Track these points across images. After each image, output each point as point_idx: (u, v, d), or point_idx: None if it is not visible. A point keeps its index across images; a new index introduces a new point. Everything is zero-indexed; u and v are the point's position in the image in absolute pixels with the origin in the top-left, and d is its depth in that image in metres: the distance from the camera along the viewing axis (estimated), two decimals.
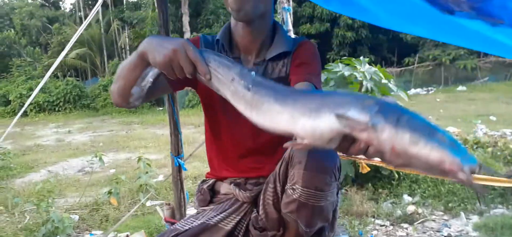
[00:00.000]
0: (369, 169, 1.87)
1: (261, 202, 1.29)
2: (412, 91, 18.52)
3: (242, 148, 1.40)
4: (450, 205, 3.53)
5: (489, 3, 1.17)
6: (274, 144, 1.35)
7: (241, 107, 0.99)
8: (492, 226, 2.97)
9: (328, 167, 1.11)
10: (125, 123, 13.85)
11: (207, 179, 1.52)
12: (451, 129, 6.64)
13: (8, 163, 6.51)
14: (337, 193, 1.28)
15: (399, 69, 23.28)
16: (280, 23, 1.45)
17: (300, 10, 23.71)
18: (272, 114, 0.91)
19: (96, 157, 4.45)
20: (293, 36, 2.63)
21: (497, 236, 2.83)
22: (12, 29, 28.65)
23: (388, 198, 3.80)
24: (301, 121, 0.84)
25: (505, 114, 9.89)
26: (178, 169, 2.40)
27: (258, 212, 1.32)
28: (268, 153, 1.38)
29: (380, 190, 3.92)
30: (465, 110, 11.31)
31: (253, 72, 1.01)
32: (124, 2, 29.68)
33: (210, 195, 1.47)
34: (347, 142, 0.78)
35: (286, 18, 2.62)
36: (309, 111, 0.83)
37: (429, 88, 19.73)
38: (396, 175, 4.09)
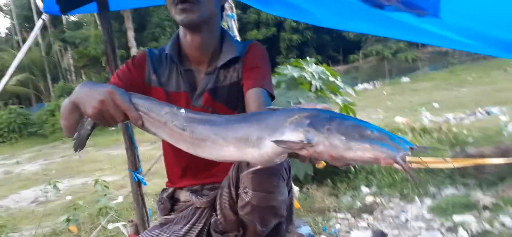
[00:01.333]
0: (325, 164, 1.96)
1: (218, 206, 1.32)
2: (360, 86, 19.23)
3: (196, 157, 1.42)
4: (405, 191, 3.71)
5: None
6: None
7: (182, 147, 1.01)
8: (444, 207, 3.17)
9: (276, 169, 1.15)
10: None
11: (167, 188, 1.53)
12: (399, 119, 6.98)
13: None
14: (290, 191, 1.33)
15: (345, 66, 24.18)
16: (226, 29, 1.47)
17: (246, 17, 24.02)
18: (217, 149, 0.95)
19: (49, 184, 4.26)
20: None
21: (450, 215, 3.02)
22: None
23: (347, 191, 3.94)
24: (249, 151, 0.90)
25: (446, 100, 10.55)
26: (138, 184, 2.36)
27: (216, 216, 1.34)
28: None
29: (338, 185, 4.07)
30: (410, 101, 11.93)
31: (182, 110, 1.01)
32: (64, 22, 28.42)
33: (170, 204, 1.48)
34: (293, 155, 0.86)
35: (231, 25, 2.67)
36: (252, 141, 0.89)
37: (375, 82, 20.56)
38: (353, 169, 4.27)
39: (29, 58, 22.94)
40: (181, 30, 1.36)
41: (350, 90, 4.19)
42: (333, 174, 4.25)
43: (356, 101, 4.41)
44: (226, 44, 1.39)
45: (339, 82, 4.19)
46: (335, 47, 26.64)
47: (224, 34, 1.42)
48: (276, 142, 0.83)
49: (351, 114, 4.26)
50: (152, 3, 2.58)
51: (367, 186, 4.02)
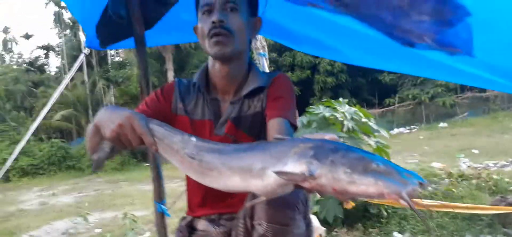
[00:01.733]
0: (353, 204, 1.89)
1: None
2: (395, 130, 18.81)
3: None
4: None
5: (445, 34, 1.25)
6: None
7: (192, 175, 1.02)
8: None
9: (291, 202, 1.12)
10: (111, 181, 13.61)
11: (186, 216, 1.52)
12: (436, 164, 6.73)
13: None
14: (308, 225, 1.28)
15: (380, 110, 23.81)
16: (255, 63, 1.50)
17: (281, 59, 24.43)
18: (223, 179, 0.94)
19: (80, 216, 4.36)
20: None
21: None
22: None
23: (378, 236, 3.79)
24: (253, 182, 0.88)
25: (486, 147, 10.10)
26: (161, 216, 2.32)
27: None
28: None
29: (370, 229, 3.92)
30: (448, 146, 11.50)
31: (193, 138, 1.03)
32: (109, 62, 30.04)
33: (188, 232, 1.46)
34: (297, 186, 0.83)
35: (263, 64, 2.70)
36: (256, 171, 0.87)
37: (412, 127, 20.07)
38: (385, 213, 4.10)
39: (74, 95, 24.21)
40: (210, 60, 1.40)
41: (383, 132, 4.09)
42: (365, 218, 4.11)
43: (391, 145, 4.30)
44: (252, 75, 1.41)
45: (372, 123, 4.11)
46: (370, 91, 26.41)
47: (251, 65, 1.44)
48: (278, 173, 0.81)
49: (384, 157, 4.14)
50: (187, 40, 2.67)
51: (400, 232, 3.84)
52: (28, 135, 2.79)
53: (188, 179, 1.49)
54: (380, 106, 24.69)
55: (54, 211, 8.40)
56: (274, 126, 1.25)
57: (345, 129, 3.85)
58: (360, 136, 3.97)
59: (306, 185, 0.80)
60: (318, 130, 3.78)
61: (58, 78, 33.33)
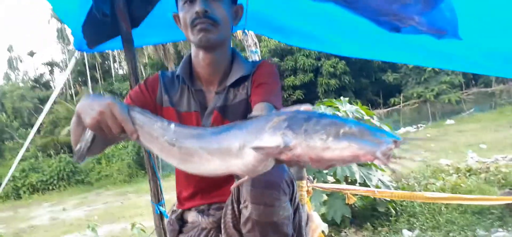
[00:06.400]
0: (355, 199, 1.89)
1: (222, 226, 1.29)
2: (402, 130, 18.66)
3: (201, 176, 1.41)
4: (450, 234, 3.51)
5: (429, 15, 1.26)
6: None
7: (173, 162, 1.00)
8: None
9: (275, 182, 1.13)
10: (120, 193, 13.65)
11: (176, 209, 1.53)
12: (443, 161, 6.68)
13: None
14: (296, 210, 1.29)
15: (386, 110, 23.70)
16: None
17: (283, 64, 24.42)
18: (204, 164, 0.93)
19: (88, 228, 4.39)
20: None
21: None
22: (4, 113, 28.86)
23: (388, 235, 3.77)
24: (233, 162, 0.87)
25: (494, 141, 10.00)
26: (160, 217, 2.30)
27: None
28: (227, 177, 1.40)
29: (379, 228, 3.90)
30: (455, 142, 11.39)
31: (172, 124, 1.01)
32: (113, 75, 30.29)
33: (178, 225, 1.47)
34: (278, 160, 0.83)
35: None
36: (235, 151, 0.86)
37: (418, 125, 19.92)
38: (394, 211, 4.09)
39: None
40: (193, 50, 1.40)
41: (386, 128, 4.08)
42: (373, 217, 4.09)
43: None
44: (236, 64, 1.41)
45: (375, 121, 4.11)
46: (374, 91, 26.31)
47: (234, 54, 1.45)
48: (255, 148, 0.81)
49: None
50: (173, 39, 2.64)
51: (410, 229, 3.83)
52: (24, 146, 2.77)
53: (178, 172, 1.49)
54: (385, 106, 24.58)
55: (64, 226, 8.46)
56: (258, 110, 1.25)
57: None
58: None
59: (283, 157, 0.79)
60: None
61: (63, 94, 33.63)
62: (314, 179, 3.88)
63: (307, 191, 1.79)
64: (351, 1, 1.39)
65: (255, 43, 2.58)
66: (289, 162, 0.81)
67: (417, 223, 3.86)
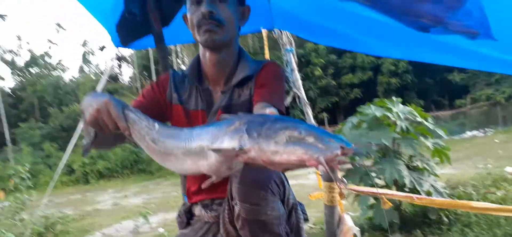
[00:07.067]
0: (391, 205, 1.83)
1: (221, 221, 1.32)
2: (468, 134, 17.51)
3: None
4: None
5: (456, 14, 1.18)
6: None
7: (156, 160, 1.07)
8: None
9: (261, 181, 1.14)
10: (177, 184, 14.14)
11: (185, 203, 1.59)
12: (509, 169, 6.20)
13: (67, 227, 6.91)
14: (291, 210, 1.29)
15: (451, 112, 22.34)
16: (245, 52, 1.51)
17: (341, 61, 23.89)
18: (179, 163, 0.99)
19: (141, 216, 4.64)
20: (298, 76, 2.67)
21: None
22: (78, 103, 31.19)
23: None
24: (200, 163, 0.93)
25: None
26: None
27: (221, 231, 1.35)
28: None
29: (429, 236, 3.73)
30: None
31: (156, 124, 1.07)
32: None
33: (186, 218, 1.53)
34: (245, 163, 0.85)
35: (290, 59, 2.67)
36: (202, 152, 0.91)
37: (486, 129, 18.57)
38: (446, 220, 3.89)
39: None
40: (201, 50, 1.45)
41: (441, 132, 3.87)
42: (424, 225, 3.92)
43: (462, 149, 4.06)
44: (242, 64, 1.45)
45: (429, 124, 3.91)
46: (439, 92, 24.93)
47: (241, 54, 1.48)
48: (213, 150, 0.85)
49: (445, 160, 3.92)
50: None
51: None
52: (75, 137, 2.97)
53: None
54: (451, 108, 23.19)
55: (124, 211, 8.98)
56: (257, 110, 1.26)
57: (398, 129, 3.71)
58: (416, 137, 3.80)
59: (239, 159, 0.83)
60: (369, 131, 3.68)
61: (130, 87, 35.57)
62: (360, 181, 3.80)
63: (340, 193, 1.77)
64: (376, 1, 1.35)
65: (291, 42, 2.58)
66: (247, 164, 0.84)
67: (471, 234, 3.63)
